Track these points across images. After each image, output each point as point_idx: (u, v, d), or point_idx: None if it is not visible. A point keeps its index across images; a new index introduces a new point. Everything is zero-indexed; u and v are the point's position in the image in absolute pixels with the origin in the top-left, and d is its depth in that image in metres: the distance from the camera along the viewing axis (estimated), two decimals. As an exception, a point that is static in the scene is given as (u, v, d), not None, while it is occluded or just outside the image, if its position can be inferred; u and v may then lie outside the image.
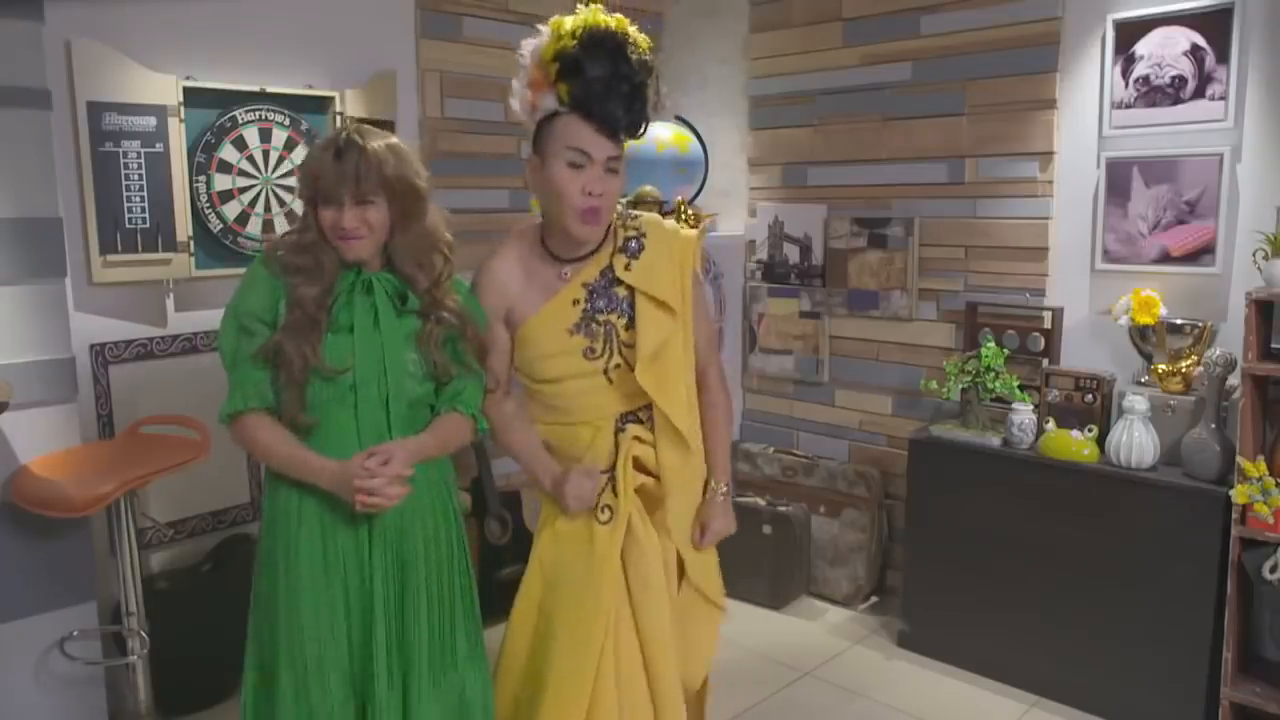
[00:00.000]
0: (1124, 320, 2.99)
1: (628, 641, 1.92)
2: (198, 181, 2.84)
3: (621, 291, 1.92)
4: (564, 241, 1.91)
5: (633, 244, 1.94)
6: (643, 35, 1.88)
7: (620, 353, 1.92)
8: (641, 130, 1.87)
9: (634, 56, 1.82)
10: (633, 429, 1.96)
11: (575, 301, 1.91)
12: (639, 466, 1.96)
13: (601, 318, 1.91)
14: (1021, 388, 3.15)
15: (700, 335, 2.02)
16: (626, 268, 1.91)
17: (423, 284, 1.83)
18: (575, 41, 1.79)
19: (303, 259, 1.78)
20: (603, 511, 1.93)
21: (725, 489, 2.07)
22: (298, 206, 2.93)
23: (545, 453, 1.98)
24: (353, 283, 1.81)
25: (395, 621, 1.82)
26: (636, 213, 2.01)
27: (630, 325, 1.91)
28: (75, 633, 2.45)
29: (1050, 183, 3.27)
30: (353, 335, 1.78)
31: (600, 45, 1.80)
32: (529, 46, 1.87)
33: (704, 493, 2.05)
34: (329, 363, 1.75)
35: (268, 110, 2.95)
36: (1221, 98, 2.89)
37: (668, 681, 1.95)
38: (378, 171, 1.74)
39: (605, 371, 1.93)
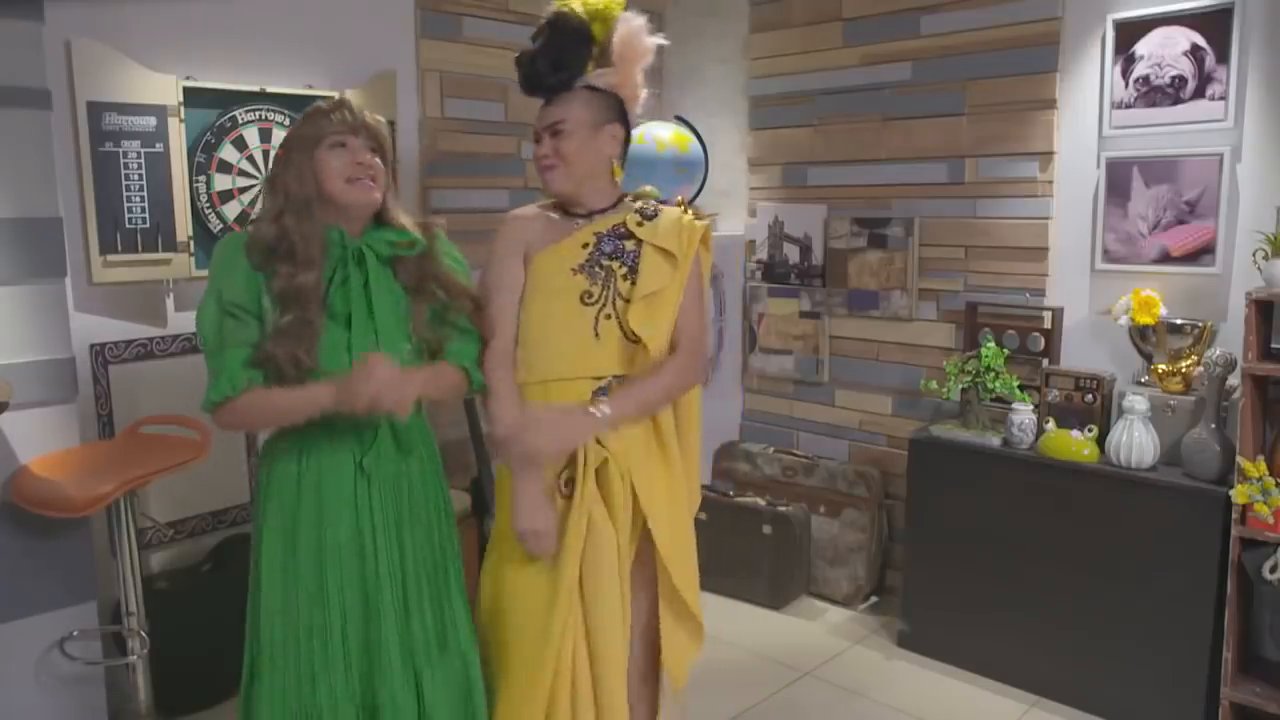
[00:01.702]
0: (1124, 320, 2.99)
1: (577, 630, 1.93)
2: (198, 181, 2.84)
3: (630, 245, 2.01)
4: (568, 202, 2.06)
5: (649, 211, 2.06)
6: (610, 8, 2.02)
7: (614, 304, 1.97)
8: (558, 81, 2.00)
9: (564, 22, 1.98)
10: (605, 401, 1.95)
11: (585, 245, 2.01)
12: (600, 442, 1.95)
13: (605, 262, 2.00)
14: (1021, 388, 3.15)
15: (688, 321, 2.02)
16: (639, 224, 2.02)
17: (417, 227, 1.90)
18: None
19: (294, 222, 1.76)
20: (565, 485, 1.94)
21: (600, 414, 1.90)
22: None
23: (516, 399, 1.96)
24: (342, 255, 1.82)
25: (403, 612, 1.84)
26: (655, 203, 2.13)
27: (629, 276, 1.98)
28: (75, 633, 2.45)
29: (1050, 183, 3.27)
30: (349, 331, 1.79)
31: (542, 26, 2.01)
32: None
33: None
34: (324, 365, 1.75)
35: (268, 110, 2.95)
36: (1221, 98, 2.89)
37: (613, 679, 1.93)
38: (379, 127, 1.89)
39: (595, 324, 1.96)
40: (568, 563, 1.90)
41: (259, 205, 1.94)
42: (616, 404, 1.92)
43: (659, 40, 2.08)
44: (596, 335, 1.96)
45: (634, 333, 1.96)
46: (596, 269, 1.99)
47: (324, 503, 1.81)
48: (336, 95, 3.00)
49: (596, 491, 1.94)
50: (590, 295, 1.98)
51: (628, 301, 1.97)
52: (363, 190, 1.82)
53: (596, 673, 1.93)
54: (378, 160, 1.85)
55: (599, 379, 1.97)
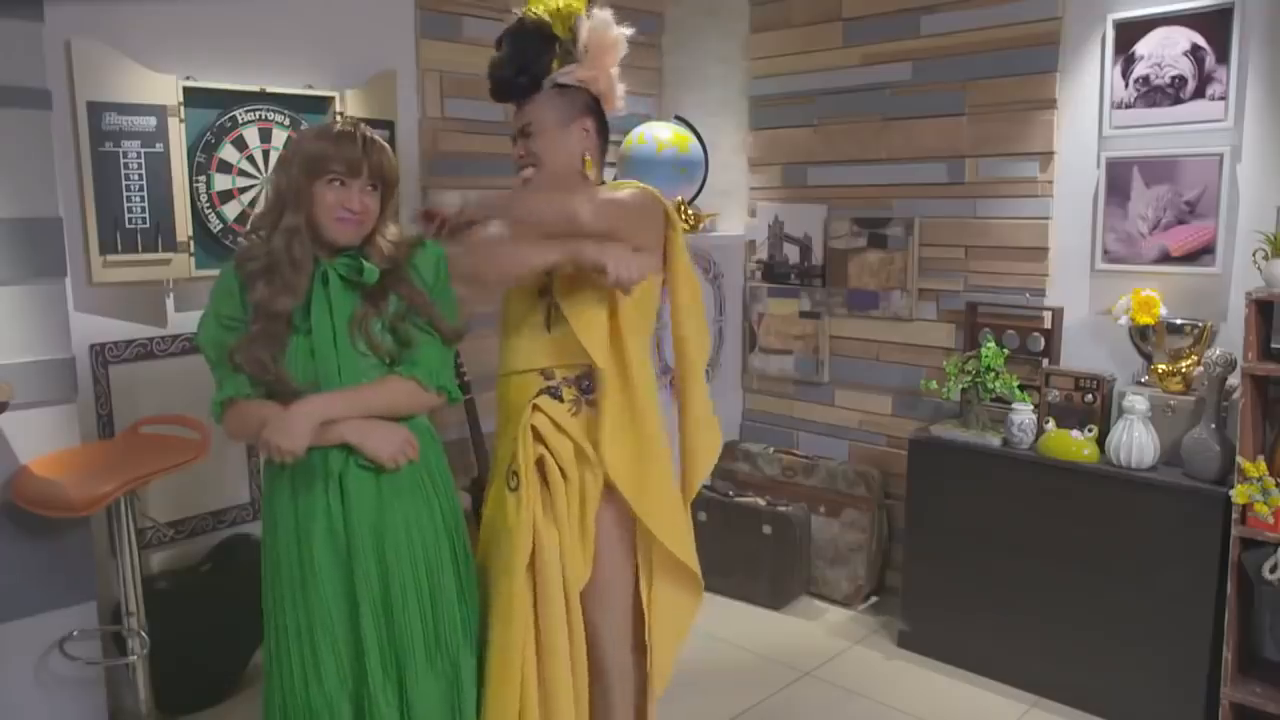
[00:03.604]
0: (1124, 320, 2.99)
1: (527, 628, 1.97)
2: (198, 181, 2.84)
3: None
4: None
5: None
6: (571, 6, 2.02)
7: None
8: (523, 85, 2.03)
9: (522, 28, 2.01)
10: (541, 400, 1.99)
11: None
12: (539, 439, 1.98)
13: None
14: (1021, 388, 3.15)
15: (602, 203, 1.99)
16: None
17: (382, 254, 1.88)
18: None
19: (284, 247, 1.80)
20: (511, 478, 1.99)
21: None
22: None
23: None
24: (311, 275, 1.85)
25: (382, 616, 1.86)
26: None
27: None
28: (75, 633, 2.45)
29: (1050, 183, 3.27)
30: (310, 338, 1.83)
31: (504, 34, 2.05)
32: None
33: None
34: (289, 371, 1.81)
35: (268, 110, 2.95)
36: (1221, 98, 2.89)
37: (559, 685, 1.96)
38: (386, 163, 1.87)
39: (547, 316, 2.00)
40: (518, 561, 1.94)
41: (259, 206, 1.96)
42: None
43: (626, 31, 2.08)
44: (548, 328, 2.00)
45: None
46: None
47: (299, 511, 1.85)
48: (336, 96, 3.06)
49: (538, 490, 1.97)
50: (545, 290, 2.02)
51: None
52: (345, 230, 1.84)
53: (542, 670, 1.97)
54: (372, 203, 1.86)
55: (548, 372, 2.00)
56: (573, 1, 2.04)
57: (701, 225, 4.00)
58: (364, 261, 1.85)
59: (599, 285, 1.93)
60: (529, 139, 2.03)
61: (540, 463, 1.97)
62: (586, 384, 2.00)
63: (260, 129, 2.94)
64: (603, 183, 2.15)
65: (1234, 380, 2.76)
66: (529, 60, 2.03)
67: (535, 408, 1.98)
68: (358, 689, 1.85)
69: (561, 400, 1.99)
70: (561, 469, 1.97)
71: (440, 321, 1.92)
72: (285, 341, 1.81)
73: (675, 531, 2.07)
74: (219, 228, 2.89)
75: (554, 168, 2.03)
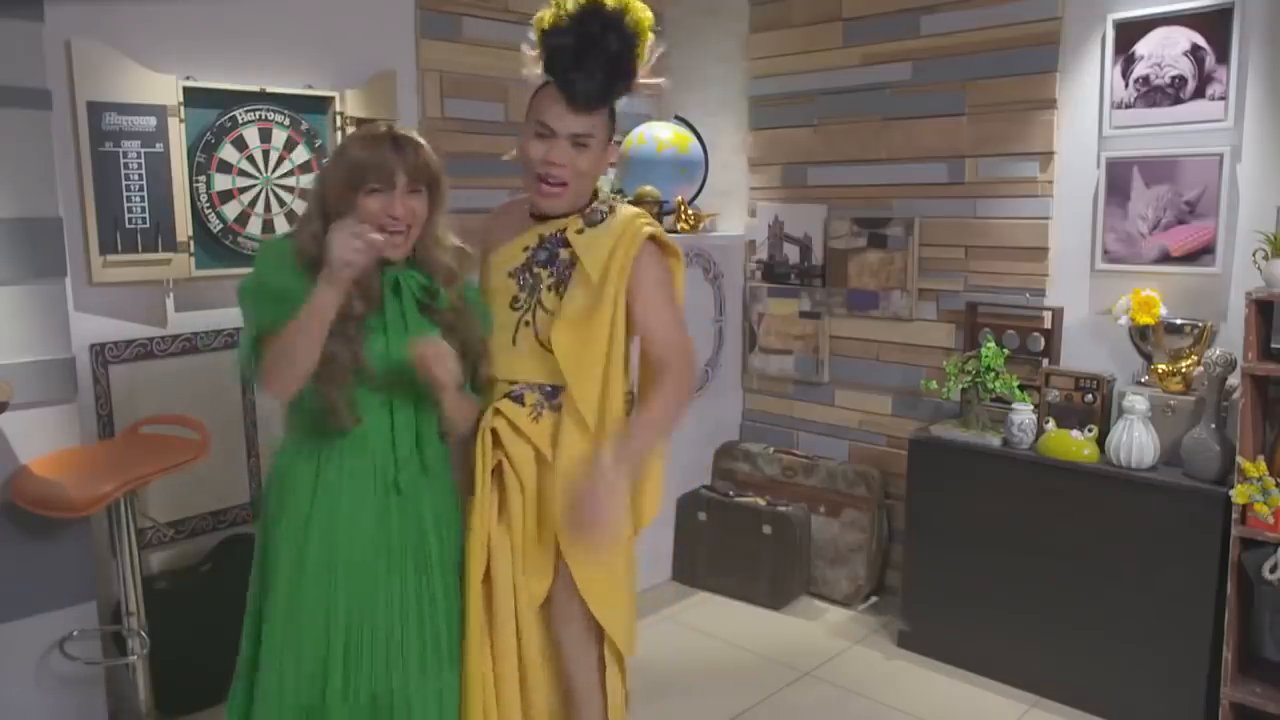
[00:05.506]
0: (1124, 320, 2.99)
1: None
2: (198, 181, 2.84)
3: (565, 254, 1.94)
4: (538, 207, 1.98)
5: (596, 216, 1.96)
6: (644, 10, 1.89)
7: (534, 312, 1.94)
8: (610, 99, 1.90)
9: (617, 28, 1.84)
10: (503, 403, 1.94)
11: (526, 248, 1.97)
12: (498, 444, 1.94)
13: (536, 269, 1.95)
14: (1021, 388, 3.15)
15: (657, 332, 1.93)
16: (579, 231, 1.94)
17: (447, 275, 1.87)
18: (565, 13, 1.85)
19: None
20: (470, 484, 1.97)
21: (616, 470, 1.77)
22: (298, 206, 2.95)
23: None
24: (380, 282, 1.82)
25: (422, 608, 1.87)
26: (623, 203, 2.05)
27: (554, 288, 1.93)
28: (75, 633, 2.45)
29: (1050, 183, 3.27)
30: (386, 336, 1.80)
31: (583, 15, 1.84)
32: (537, 17, 1.92)
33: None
34: (372, 368, 1.78)
35: (268, 110, 2.95)
36: (1221, 98, 2.89)
37: (507, 689, 1.94)
38: (423, 161, 1.80)
39: (515, 330, 1.95)
40: (473, 572, 1.92)
41: (305, 204, 1.92)
42: (623, 452, 1.81)
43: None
44: (514, 342, 1.95)
45: (549, 344, 1.92)
46: (526, 275, 1.96)
47: (339, 514, 1.81)
48: (336, 96, 3.06)
49: (493, 497, 1.93)
50: (517, 301, 1.96)
51: (548, 311, 1.92)
52: (389, 244, 1.76)
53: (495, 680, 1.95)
54: (416, 205, 1.79)
55: (512, 384, 1.95)
56: (647, 17, 1.90)
57: (701, 225, 4.01)
58: (440, 288, 1.84)
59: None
60: (580, 150, 1.88)
61: (499, 469, 1.93)
62: (550, 389, 1.94)
63: (260, 129, 2.94)
64: (601, 194, 2.09)
65: (1234, 380, 2.76)
66: (628, 71, 1.88)
67: (496, 411, 1.93)
68: (383, 684, 1.83)
69: (523, 404, 1.93)
70: (519, 477, 1.91)
71: (484, 355, 1.94)
72: (361, 341, 1.77)
73: (612, 608, 1.99)
74: (219, 228, 2.89)
75: (586, 186, 1.95)
